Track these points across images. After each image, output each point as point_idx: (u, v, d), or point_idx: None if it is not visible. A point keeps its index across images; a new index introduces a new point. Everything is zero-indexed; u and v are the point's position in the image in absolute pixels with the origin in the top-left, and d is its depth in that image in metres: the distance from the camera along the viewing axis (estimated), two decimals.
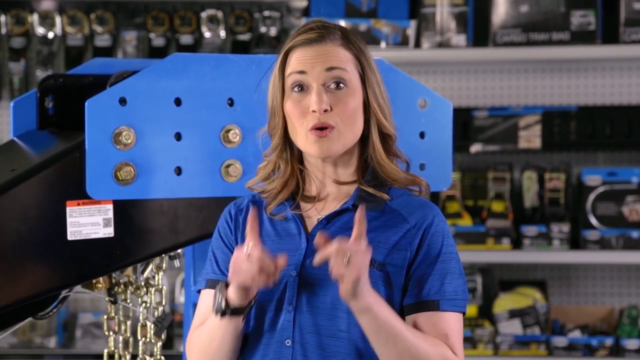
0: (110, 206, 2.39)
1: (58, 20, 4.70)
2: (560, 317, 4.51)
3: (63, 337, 4.69)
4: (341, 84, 2.12)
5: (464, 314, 2.15)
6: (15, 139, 2.58)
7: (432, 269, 2.12)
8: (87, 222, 2.37)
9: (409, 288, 2.12)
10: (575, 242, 4.38)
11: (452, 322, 2.13)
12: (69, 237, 2.35)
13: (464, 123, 4.46)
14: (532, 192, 4.47)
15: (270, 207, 2.19)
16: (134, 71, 2.42)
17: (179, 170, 2.41)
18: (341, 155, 2.15)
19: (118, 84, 2.38)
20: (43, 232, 2.33)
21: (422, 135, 2.64)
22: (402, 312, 2.13)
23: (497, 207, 4.42)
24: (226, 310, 2.08)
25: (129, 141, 2.36)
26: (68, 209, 2.35)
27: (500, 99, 4.62)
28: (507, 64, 4.59)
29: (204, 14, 4.68)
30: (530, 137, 4.46)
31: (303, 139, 2.13)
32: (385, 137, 2.18)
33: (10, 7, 4.71)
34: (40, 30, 4.69)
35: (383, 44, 4.41)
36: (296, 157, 2.19)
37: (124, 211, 2.40)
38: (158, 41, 4.71)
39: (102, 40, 4.71)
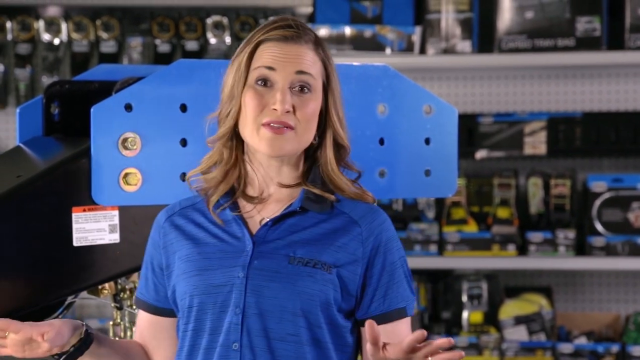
0: (116, 212, 2.39)
1: (64, 26, 4.70)
2: (566, 324, 4.50)
3: None
4: (305, 89, 2.11)
5: None
6: (21, 145, 2.59)
7: (393, 276, 2.12)
8: (93, 228, 2.38)
9: (376, 297, 2.11)
10: (581, 248, 4.37)
11: (408, 326, 2.14)
12: (75, 243, 2.35)
13: (469, 129, 4.46)
14: (538, 199, 4.46)
15: (212, 200, 2.14)
16: (140, 77, 2.43)
17: (184, 176, 2.41)
18: (287, 159, 2.13)
19: (124, 90, 2.38)
20: (49, 238, 2.33)
21: (427, 141, 2.64)
22: (347, 317, 2.11)
23: (503, 213, 4.41)
24: (53, 356, 2.10)
25: (135, 147, 2.37)
26: (74, 215, 2.35)
27: (505, 105, 4.62)
28: (512, 70, 4.59)
29: (209, 20, 4.68)
30: (536, 144, 4.45)
31: (253, 132, 2.09)
32: (339, 148, 2.16)
33: (16, 14, 4.71)
34: (46, 37, 4.70)
35: (388, 50, 4.42)
36: (241, 149, 2.15)
37: (130, 217, 2.40)
38: (163, 47, 4.71)
39: (108, 46, 4.71)
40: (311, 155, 2.17)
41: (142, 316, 2.23)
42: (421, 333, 1.91)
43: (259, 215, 2.14)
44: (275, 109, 2.08)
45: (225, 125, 2.13)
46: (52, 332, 2.07)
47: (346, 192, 2.15)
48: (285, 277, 2.07)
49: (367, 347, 1.96)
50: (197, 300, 2.09)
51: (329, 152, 2.14)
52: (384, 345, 1.96)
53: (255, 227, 2.13)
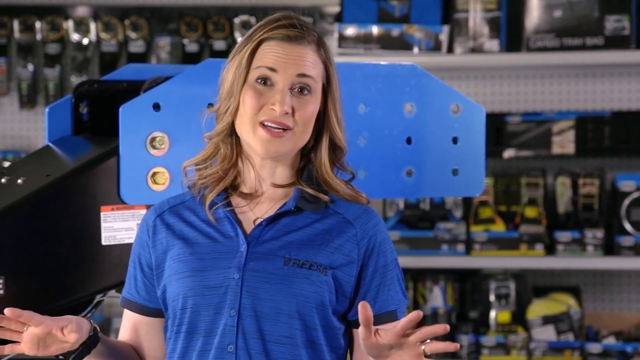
0: (144, 211, 2.40)
1: (93, 26, 4.73)
2: (595, 324, 4.48)
3: None
4: (305, 90, 2.09)
5: None
6: (50, 144, 2.60)
7: (384, 278, 2.11)
8: (121, 227, 2.39)
9: (367, 300, 2.08)
10: (610, 248, 4.35)
11: None
12: (103, 242, 2.37)
13: (497, 128, 4.45)
14: (566, 198, 4.45)
15: (210, 197, 2.12)
16: (168, 77, 2.44)
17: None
18: (282, 159, 2.11)
19: (152, 90, 2.39)
20: (77, 237, 2.34)
21: (454, 140, 2.63)
22: (342, 320, 2.10)
23: (531, 212, 4.40)
24: (57, 356, 2.08)
25: (163, 146, 2.37)
26: (102, 214, 2.36)
27: (533, 104, 4.60)
28: (541, 69, 4.57)
29: (237, 20, 4.69)
30: (564, 143, 4.44)
31: (250, 130, 2.07)
32: (335, 149, 2.14)
33: (45, 14, 4.74)
34: (75, 37, 4.73)
35: (416, 50, 4.41)
36: (240, 145, 2.13)
37: None
38: (191, 47, 4.73)
39: (136, 46, 4.73)
40: (306, 154, 2.15)
41: (130, 317, 2.19)
42: (416, 314, 1.89)
43: (252, 214, 2.12)
44: (274, 109, 2.06)
45: (223, 121, 2.11)
46: (74, 326, 2.05)
47: (340, 193, 2.14)
48: (281, 278, 2.05)
49: (360, 330, 1.94)
50: (191, 302, 2.07)
51: (324, 153, 2.13)
52: (377, 331, 1.94)
53: (248, 225, 2.11)
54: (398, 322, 1.93)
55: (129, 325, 2.19)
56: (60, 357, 2.08)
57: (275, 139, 2.06)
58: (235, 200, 2.13)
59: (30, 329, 2.03)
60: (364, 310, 1.92)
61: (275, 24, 2.12)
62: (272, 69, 2.08)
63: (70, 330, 2.04)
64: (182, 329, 2.08)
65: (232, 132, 2.12)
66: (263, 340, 2.04)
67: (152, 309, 2.16)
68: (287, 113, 2.06)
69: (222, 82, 2.13)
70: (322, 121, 2.13)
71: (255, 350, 2.04)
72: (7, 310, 2.01)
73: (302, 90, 2.09)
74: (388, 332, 1.93)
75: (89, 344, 2.08)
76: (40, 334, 2.03)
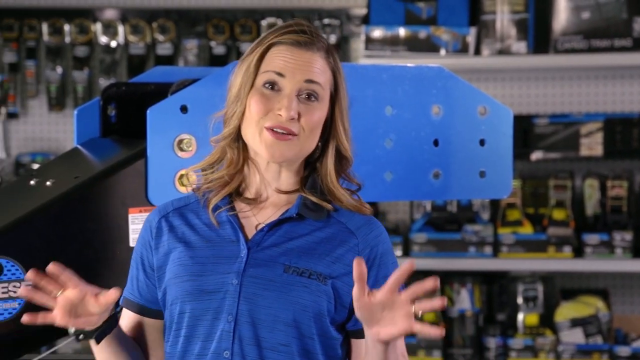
0: None
1: (121, 29, 4.75)
2: (623, 327, 4.46)
3: None
4: (312, 97, 2.07)
5: None
6: (78, 146, 2.61)
7: None
8: None
9: None
10: (638, 250, 4.33)
11: (403, 340, 2.09)
12: (131, 244, 2.38)
13: (525, 130, 4.44)
14: (594, 200, 4.43)
15: (213, 201, 2.10)
16: (195, 79, 2.44)
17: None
18: (288, 164, 2.10)
19: (179, 92, 2.40)
20: (105, 238, 2.35)
21: (482, 142, 2.63)
22: (340, 330, 2.08)
23: (559, 215, 4.38)
24: (77, 335, 2.05)
25: (190, 149, 2.38)
26: (130, 216, 2.37)
27: (561, 106, 4.59)
28: (568, 71, 4.56)
29: (264, 22, 4.70)
30: (592, 145, 4.42)
31: (255, 135, 2.06)
32: (341, 159, 2.12)
33: (74, 17, 4.77)
34: (103, 39, 4.75)
35: (443, 52, 4.41)
36: (247, 150, 2.11)
37: None
38: (219, 49, 4.74)
39: (164, 48, 4.75)
40: (312, 162, 2.14)
41: (131, 317, 2.17)
42: (409, 264, 1.89)
43: (254, 219, 2.11)
44: (280, 114, 2.05)
45: (230, 125, 2.10)
46: (111, 290, 2.01)
47: (344, 203, 2.12)
48: (279, 286, 2.04)
49: (354, 289, 1.92)
50: (189, 307, 2.06)
51: (329, 162, 2.11)
52: (370, 291, 1.93)
53: (250, 230, 2.10)
54: (390, 278, 1.91)
55: (129, 326, 2.17)
56: (81, 336, 2.06)
57: (280, 143, 2.05)
58: (239, 205, 2.12)
59: (66, 293, 2.00)
60: (357, 266, 1.91)
61: (286, 29, 2.10)
62: (279, 74, 2.07)
63: (103, 296, 2.01)
64: (181, 333, 2.08)
65: (238, 137, 2.11)
66: (259, 347, 2.03)
67: (153, 311, 2.15)
68: (293, 118, 2.05)
69: (230, 86, 2.13)
70: (328, 130, 2.12)
71: (250, 356, 2.03)
72: (51, 265, 1.99)
73: (309, 96, 2.07)
74: (380, 289, 1.92)
75: (111, 322, 2.07)
76: (75, 298, 2.00)
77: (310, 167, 2.14)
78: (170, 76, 2.64)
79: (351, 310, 2.05)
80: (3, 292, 2.26)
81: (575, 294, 4.48)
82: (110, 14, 4.77)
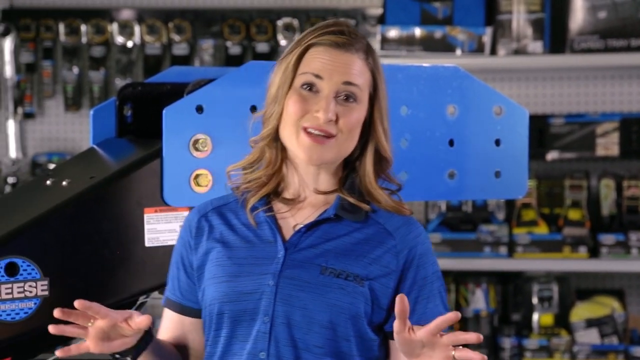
0: (187, 213, 2.41)
1: (137, 29, 4.76)
2: (639, 327, 4.45)
3: None
4: (351, 98, 2.07)
5: None
6: (94, 146, 2.62)
7: (424, 291, 2.08)
8: (164, 228, 2.40)
9: None
10: None
11: None
12: (147, 244, 2.38)
13: (540, 130, 4.43)
14: (610, 200, 4.42)
15: (251, 201, 2.11)
16: (211, 79, 2.45)
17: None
18: (325, 166, 2.09)
19: (195, 92, 2.40)
20: (121, 238, 2.36)
21: (497, 142, 2.63)
22: (378, 331, 2.07)
23: (574, 215, 4.37)
24: (113, 355, 2.07)
25: (206, 149, 2.39)
26: (146, 216, 2.38)
27: (577, 106, 4.58)
28: (585, 71, 4.54)
29: (279, 22, 4.71)
30: (608, 145, 4.41)
31: (292, 136, 2.06)
32: (380, 159, 2.12)
33: (90, 17, 4.78)
34: (119, 40, 4.76)
35: (458, 51, 4.40)
36: (285, 150, 2.11)
37: None
38: (234, 49, 4.75)
39: (180, 48, 4.76)
40: (351, 163, 2.13)
41: (172, 318, 2.18)
42: (454, 314, 1.88)
43: (292, 219, 2.11)
44: (318, 116, 2.04)
45: (268, 126, 2.10)
46: (142, 317, 2.02)
47: (382, 204, 2.11)
48: (315, 287, 2.03)
49: (395, 323, 1.92)
50: (227, 308, 2.06)
51: (368, 163, 2.11)
52: (411, 327, 1.92)
53: (288, 231, 2.10)
54: (434, 322, 1.91)
55: (171, 327, 2.19)
56: (117, 356, 2.08)
57: (317, 146, 2.05)
58: (277, 205, 2.12)
59: (97, 323, 2.02)
60: (400, 303, 1.90)
61: (325, 29, 2.10)
62: (317, 76, 2.06)
63: (135, 320, 2.02)
64: (221, 334, 2.08)
65: (277, 137, 2.11)
66: (295, 348, 2.03)
67: (196, 310, 2.16)
68: (330, 120, 2.04)
69: (269, 86, 2.13)
70: (367, 131, 2.11)
71: (286, 357, 2.03)
72: (76, 303, 1.99)
73: (347, 98, 2.07)
74: (422, 329, 1.92)
75: (147, 339, 2.08)
76: (106, 327, 2.02)
77: (349, 168, 2.13)
78: (186, 76, 2.65)
79: (388, 312, 2.06)
80: (19, 292, 2.27)
81: (590, 294, 4.47)
82: (126, 14, 4.78)
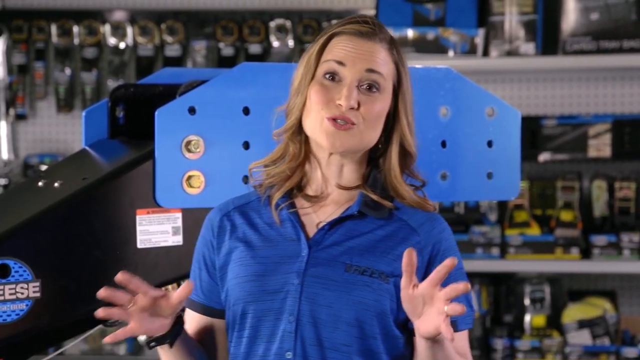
0: (179, 215, 2.42)
1: (129, 30, 4.76)
2: (631, 328, 4.45)
3: (133, 344, 4.74)
4: (374, 88, 2.05)
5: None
6: (86, 147, 2.62)
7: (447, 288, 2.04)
8: (157, 230, 2.40)
9: None
10: None
11: (465, 340, 2.08)
12: (139, 245, 2.38)
13: (533, 132, 4.44)
14: (602, 202, 4.43)
15: (276, 196, 2.09)
16: (203, 80, 2.45)
17: (246, 179, 2.42)
18: (349, 158, 2.08)
19: (187, 94, 2.40)
20: (113, 240, 2.36)
21: (489, 144, 2.63)
22: (403, 328, 2.06)
23: (566, 216, 4.38)
24: (149, 343, 2.04)
25: (198, 150, 2.39)
26: (138, 217, 2.38)
27: (569, 107, 4.59)
28: (577, 72, 4.55)
29: (272, 24, 4.71)
30: (600, 146, 4.42)
31: (316, 125, 2.04)
32: (405, 154, 2.10)
33: (82, 18, 4.78)
34: (111, 41, 4.76)
35: (451, 53, 4.41)
36: (308, 144, 2.10)
37: (193, 220, 2.42)
38: (227, 51, 4.75)
39: (172, 50, 4.76)
40: (374, 159, 2.12)
41: (194, 318, 2.16)
42: (451, 260, 1.86)
43: (315, 216, 2.10)
44: (340, 104, 2.03)
45: (291, 117, 2.09)
46: (183, 288, 1.97)
47: (407, 200, 2.10)
48: (341, 285, 2.02)
49: (402, 280, 1.90)
50: (251, 307, 2.05)
51: (394, 157, 2.09)
52: (416, 284, 1.90)
53: (311, 228, 2.09)
54: (433, 272, 1.89)
55: (193, 327, 2.16)
56: (152, 343, 2.05)
57: (340, 132, 2.02)
58: (300, 202, 2.11)
59: (138, 303, 1.98)
60: (408, 257, 1.88)
61: (348, 20, 2.09)
62: (340, 62, 2.05)
63: (178, 292, 1.98)
64: (244, 334, 2.06)
65: (300, 130, 2.09)
66: (321, 347, 2.01)
67: (218, 311, 2.14)
68: (352, 108, 2.02)
69: (293, 79, 2.11)
70: (391, 124, 2.09)
71: (313, 357, 2.01)
72: (119, 275, 1.97)
73: (370, 87, 2.05)
74: (423, 282, 1.89)
75: (180, 324, 2.05)
76: (147, 305, 1.99)
77: (372, 164, 2.11)
78: (178, 77, 2.64)
79: None
80: (10, 294, 2.26)
81: (582, 295, 4.48)
82: (119, 15, 4.78)
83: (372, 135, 2.07)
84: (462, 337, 2.08)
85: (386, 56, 2.08)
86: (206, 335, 2.16)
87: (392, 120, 2.09)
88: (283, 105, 2.13)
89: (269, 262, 2.06)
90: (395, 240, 2.07)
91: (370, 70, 2.05)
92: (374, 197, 2.08)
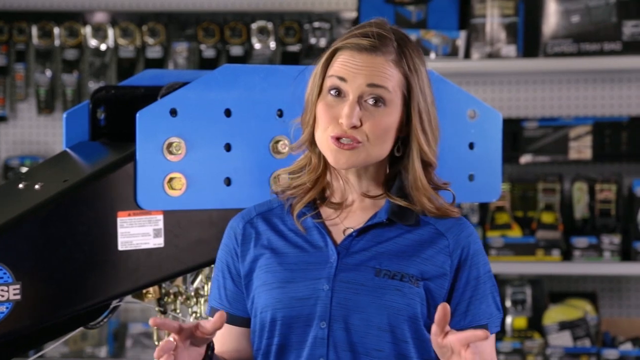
0: (160, 217, 2.41)
1: (110, 32, 4.75)
2: (611, 329, 4.47)
3: (114, 346, 4.73)
4: (379, 102, 2.02)
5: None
6: (67, 149, 2.61)
7: (476, 291, 2.05)
8: (138, 232, 2.39)
9: (458, 312, 2.04)
10: (627, 253, 4.34)
11: (493, 343, 2.08)
12: (120, 248, 2.37)
13: (514, 134, 4.45)
14: (583, 204, 4.44)
15: (297, 207, 2.09)
16: (185, 82, 2.44)
17: (228, 181, 2.42)
18: (365, 168, 2.06)
19: (169, 95, 2.40)
20: (94, 242, 2.35)
21: (471, 146, 2.63)
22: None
23: (547, 218, 4.39)
24: None
25: (180, 152, 2.38)
26: (119, 220, 2.37)
27: (550, 109, 4.60)
28: (558, 75, 4.57)
29: (254, 25, 4.70)
30: (581, 148, 4.43)
31: (323, 143, 2.04)
32: (424, 164, 2.07)
33: (63, 20, 4.76)
34: (92, 42, 4.75)
35: (432, 55, 4.41)
36: None
37: (174, 222, 2.42)
38: (208, 52, 4.74)
39: (154, 51, 4.75)
40: (395, 163, 2.09)
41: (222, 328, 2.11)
42: (484, 333, 1.85)
43: (342, 224, 2.08)
44: (342, 123, 2.01)
45: (305, 132, 2.09)
46: (216, 319, 1.92)
47: (431, 213, 2.08)
48: (371, 290, 2.01)
49: (433, 327, 1.89)
50: (280, 314, 2.03)
51: (417, 168, 2.06)
52: (447, 332, 1.90)
53: (338, 236, 2.07)
54: (466, 332, 1.88)
55: (218, 337, 2.11)
56: None
57: (343, 152, 2.01)
58: (326, 211, 2.10)
59: (177, 340, 1.93)
60: (441, 312, 1.87)
61: (352, 32, 2.07)
62: (341, 78, 2.03)
63: (211, 323, 1.93)
64: (273, 342, 2.05)
65: (315, 142, 2.08)
66: (354, 352, 2.00)
67: (243, 319, 2.12)
68: (354, 126, 2.01)
69: (307, 91, 2.11)
70: (407, 135, 2.07)
71: None
72: (151, 322, 1.91)
73: (376, 101, 2.02)
74: (454, 337, 1.89)
75: (212, 347, 2.03)
76: (184, 340, 1.94)
77: (394, 169, 2.10)
78: (159, 79, 2.64)
79: None
80: None
81: (563, 297, 4.49)
82: (100, 17, 4.77)
83: (380, 150, 2.05)
84: (492, 341, 2.09)
85: (391, 68, 2.03)
86: (231, 344, 2.14)
87: (406, 130, 2.07)
88: (298, 118, 2.12)
89: (297, 268, 2.05)
90: (424, 243, 2.06)
91: (372, 85, 2.02)
92: (401, 204, 2.06)
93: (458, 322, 2.05)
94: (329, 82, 2.04)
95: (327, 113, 2.03)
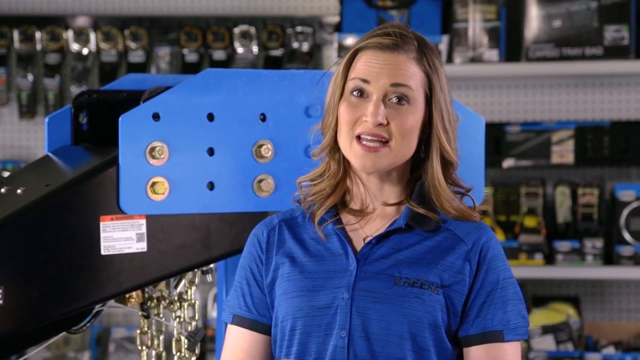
0: (143, 221, 2.40)
1: (92, 36, 4.74)
2: (594, 333, 4.48)
3: (96, 351, 4.72)
4: (403, 100, 2.02)
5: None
6: (49, 154, 2.60)
7: (493, 296, 2.03)
8: (121, 236, 2.39)
9: (469, 317, 2.03)
10: (609, 257, 4.35)
11: (512, 352, 2.04)
12: (103, 252, 2.37)
13: (496, 138, 4.45)
14: (565, 208, 4.45)
15: (318, 214, 2.08)
16: (167, 87, 2.44)
17: (211, 185, 2.42)
18: (388, 172, 2.06)
19: (151, 100, 2.39)
20: (77, 247, 2.34)
21: None
22: (455, 339, 2.04)
23: (530, 222, 4.40)
24: None
25: (162, 156, 2.38)
26: (102, 224, 2.36)
27: (532, 114, 4.61)
28: (540, 79, 4.58)
29: (236, 30, 4.70)
30: (563, 152, 4.44)
31: (347, 145, 2.03)
32: (445, 164, 2.07)
33: (45, 24, 4.75)
34: (74, 47, 4.73)
35: None
36: (348, 161, 2.07)
37: (157, 226, 2.41)
38: (191, 57, 4.74)
39: (136, 56, 4.74)
40: (417, 168, 2.09)
41: (244, 335, 2.13)
42: None
43: (362, 231, 2.07)
44: (367, 121, 2.00)
45: (326, 137, 2.07)
46: None
47: (451, 214, 2.07)
48: (391, 298, 2.00)
49: None
50: (300, 323, 2.03)
51: (436, 168, 2.05)
52: None
53: (358, 243, 2.07)
54: None
55: (242, 344, 2.12)
56: None
57: (370, 154, 2.01)
58: (346, 217, 2.09)
59: None
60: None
61: (372, 33, 2.07)
62: (364, 80, 2.02)
63: None
64: (292, 351, 2.04)
65: (337, 148, 2.07)
66: None
67: (267, 326, 2.11)
68: (380, 124, 2.00)
69: (327, 95, 2.09)
70: (428, 134, 2.06)
71: None
72: None
73: (399, 100, 2.02)
74: None
75: None
76: None
77: (415, 173, 2.09)
78: (142, 84, 2.63)
79: (461, 317, 2.02)
80: None
81: (546, 301, 4.50)
82: (81, 21, 4.76)
83: (406, 150, 2.04)
84: (511, 350, 2.05)
85: (413, 67, 2.04)
86: (254, 351, 2.12)
87: (428, 129, 2.06)
88: (318, 124, 2.12)
89: (318, 277, 2.04)
90: (443, 250, 2.04)
91: (396, 85, 2.02)
92: (421, 211, 2.05)
93: (467, 328, 2.04)
94: (351, 84, 2.04)
95: (351, 113, 2.02)
